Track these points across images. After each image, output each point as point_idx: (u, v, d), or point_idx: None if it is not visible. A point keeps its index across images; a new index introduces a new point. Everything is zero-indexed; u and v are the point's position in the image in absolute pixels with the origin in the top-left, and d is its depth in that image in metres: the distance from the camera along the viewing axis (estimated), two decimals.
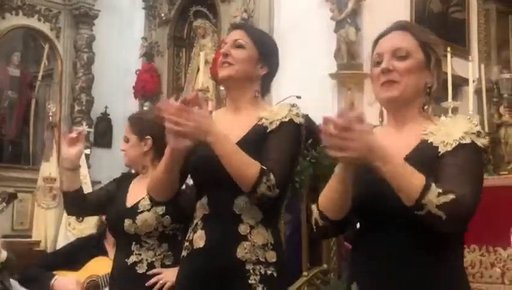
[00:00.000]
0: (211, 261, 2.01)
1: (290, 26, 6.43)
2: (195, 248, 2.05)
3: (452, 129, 1.64)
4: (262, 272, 2.00)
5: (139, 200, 2.63)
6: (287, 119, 2.04)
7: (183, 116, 1.84)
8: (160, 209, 2.57)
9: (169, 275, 2.52)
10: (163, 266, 2.59)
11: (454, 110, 5.37)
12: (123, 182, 2.84)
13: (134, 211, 2.62)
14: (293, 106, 2.10)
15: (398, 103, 1.71)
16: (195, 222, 2.09)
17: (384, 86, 1.70)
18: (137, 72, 7.84)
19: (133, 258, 2.60)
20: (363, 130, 1.46)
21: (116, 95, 7.93)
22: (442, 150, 1.61)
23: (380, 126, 1.83)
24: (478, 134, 1.62)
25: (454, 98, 5.50)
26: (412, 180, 1.48)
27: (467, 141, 1.60)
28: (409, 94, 1.70)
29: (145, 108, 7.40)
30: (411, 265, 1.57)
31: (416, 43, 1.73)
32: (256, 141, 2.02)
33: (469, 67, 5.56)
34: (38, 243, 6.63)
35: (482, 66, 6.47)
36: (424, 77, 1.72)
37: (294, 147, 2.05)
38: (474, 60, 6.36)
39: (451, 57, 5.49)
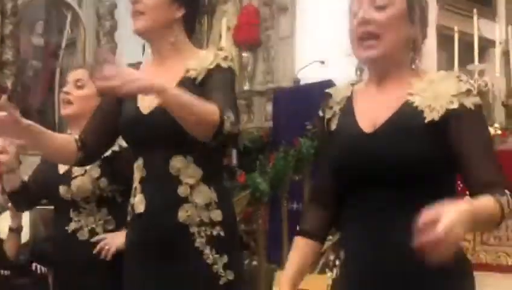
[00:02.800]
0: (153, 227, 1.91)
1: None
2: (136, 213, 1.94)
3: (439, 89, 1.49)
4: (208, 233, 1.89)
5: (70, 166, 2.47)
6: (212, 66, 1.90)
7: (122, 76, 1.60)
8: (95, 172, 2.45)
9: (113, 241, 2.43)
10: (105, 231, 2.48)
11: (481, 73, 5.29)
12: None
13: (68, 177, 2.48)
14: (220, 49, 1.97)
15: (380, 62, 1.54)
16: (134, 185, 1.98)
17: (363, 42, 1.52)
18: None
19: (73, 225, 2.49)
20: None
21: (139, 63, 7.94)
22: (428, 116, 1.47)
23: (361, 83, 1.67)
24: (468, 93, 1.48)
25: (480, 60, 5.42)
26: (490, 212, 1.35)
27: (455, 105, 1.46)
28: (391, 51, 1.52)
29: None
30: (402, 227, 1.43)
31: None
32: None
33: (496, 29, 5.46)
34: None
35: (510, 27, 6.34)
36: (407, 30, 1.52)
37: (230, 89, 1.90)
38: (500, 21, 6.24)
39: (478, 18, 5.39)
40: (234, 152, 5.58)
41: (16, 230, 3.28)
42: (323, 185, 1.67)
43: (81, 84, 2.57)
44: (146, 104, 1.91)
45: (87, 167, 2.45)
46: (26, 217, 4.65)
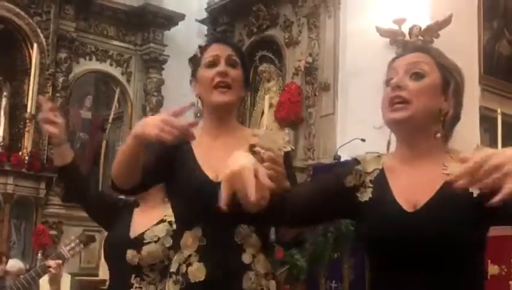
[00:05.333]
0: None
1: (355, 69, 6.45)
2: (192, 281, 1.93)
3: None
4: None
5: (145, 231, 2.54)
6: (288, 149, 1.98)
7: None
8: (167, 242, 2.48)
9: None
10: None
11: None
12: (123, 209, 2.73)
13: (139, 242, 2.51)
14: (285, 131, 2.10)
15: (407, 126, 1.56)
16: (186, 253, 1.96)
17: (393, 106, 1.56)
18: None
19: None
20: None
21: None
22: (475, 190, 1.44)
23: (386, 155, 1.67)
24: None
25: None
26: None
27: None
28: (420, 118, 1.54)
29: None
30: None
31: (434, 64, 1.58)
32: None
33: None
34: (104, 281, 6.74)
35: None
36: (439, 102, 1.56)
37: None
38: None
39: None
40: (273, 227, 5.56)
41: None
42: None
43: None
44: (215, 170, 1.93)
45: (161, 235, 2.50)
46: (67, 287, 4.66)
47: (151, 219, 2.59)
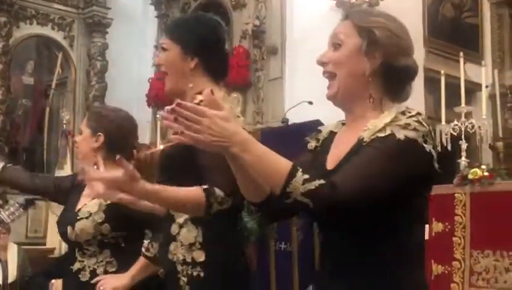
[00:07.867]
0: (161, 263, 2.09)
1: (303, 33, 6.45)
2: None
3: (382, 120, 1.50)
4: (189, 273, 1.94)
5: (81, 207, 2.56)
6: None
7: (196, 121, 1.36)
8: (99, 217, 2.49)
9: (109, 281, 2.45)
10: (106, 273, 2.50)
11: (468, 115, 5.35)
12: (79, 185, 2.68)
13: (75, 218, 2.53)
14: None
15: (339, 99, 1.59)
16: None
17: (328, 82, 1.60)
18: (150, 80, 7.88)
19: (77, 265, 2.54)
20: (217, 115, 1.35)
21: (130, 103, 7.90)
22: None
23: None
24: (405, 126, 1.46)
25: (467, 103, 5.48)
26: (276, 168, 1.38)
27: (386, 132, 1.46)
28: (346, 88, 1.57)
29: (157, 116, 7.43)
30: (358, 264, 1.51)
31: (353, 29, 1.58)
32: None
33: (482, 73, 5.54)
34: (52, 250, 6.67)
35: (496, 71, 6.45)
36: (362, 65, 1.56)
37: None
38: (487, 65, 6.34)
39: (464, 62, 5.47)
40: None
41: None
42: None
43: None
44: None
45: (92, 211, 2.50)
46: (14, 256, 4.59)
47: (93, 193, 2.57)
